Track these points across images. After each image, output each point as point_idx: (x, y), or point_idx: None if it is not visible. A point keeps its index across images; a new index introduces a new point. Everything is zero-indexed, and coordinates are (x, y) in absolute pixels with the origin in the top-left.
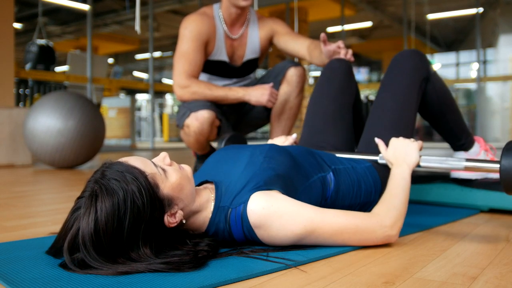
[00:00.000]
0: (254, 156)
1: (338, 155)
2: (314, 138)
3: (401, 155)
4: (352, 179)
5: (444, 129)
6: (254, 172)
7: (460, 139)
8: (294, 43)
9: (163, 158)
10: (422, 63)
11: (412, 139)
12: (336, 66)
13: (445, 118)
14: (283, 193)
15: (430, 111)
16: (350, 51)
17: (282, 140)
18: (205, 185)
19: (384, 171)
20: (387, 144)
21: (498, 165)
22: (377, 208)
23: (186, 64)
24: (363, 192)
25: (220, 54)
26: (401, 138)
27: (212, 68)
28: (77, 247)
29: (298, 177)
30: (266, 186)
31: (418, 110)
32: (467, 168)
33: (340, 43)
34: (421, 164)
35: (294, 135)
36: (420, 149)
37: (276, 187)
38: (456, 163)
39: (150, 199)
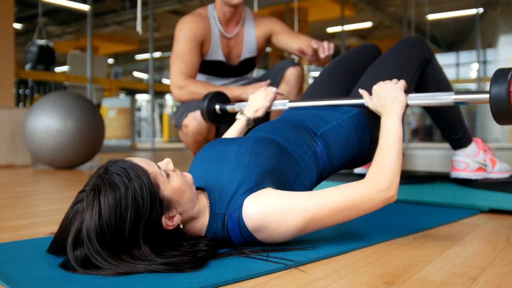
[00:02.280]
0: (240, 155)
1: (324, 102)
2: (319, 89)
3: (387, 101)
4: (341, 137)
5: (441, 118)
6: (243, 174)
7: (457, 132)
8: (295, 42)
9: (166, 164)
10: (426, 45)
11: (394, 80)
12: (369, 46)
13: (443, 106)
14: (275, 188)
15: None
16: (324, 44)
17: (263, 96)
18: (198, 191)
19: (372, 113)
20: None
21: (487, 95)
22: (370, 172)
23: (182, 65)
24: (356, 144)
25: (216, 54)
26: (381, 83)
27: (209, 68)
28: (81, 241)
29: (288, 167)
30: (257, 186)
31: (415, 84)
32: (456, 101)
33: (313, 43)
34: (409, 102)
35: (274, 89)
36: (405, 88)
37: (267, 184)
38: (445, 97)
39: (150, 198)
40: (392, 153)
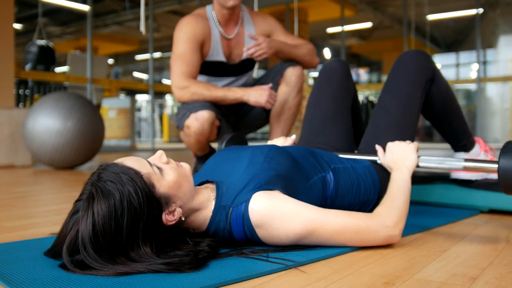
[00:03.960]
0: (254, 157)
1: (340, 155)
2: (314, 139)
3: (399, 159)
4: (351, 179)
5: (447, 129)
6: (255, 173)
7: (461, 139)
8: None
9: (159, 157)
10: (427, 63)
11: (408, 141)
12: (334, 67)
13: (448, 119)
14: (284, 193)
15: (433, 112)
16: (251, 51)
17: (281, 142)
18: (205, 185)
19: (383, 171)
20: (384, 147)
21: (496, 165)
22: (378, 209)
23: (183, 66)
24: (362, 191)
25: (217, 54)
26: (396, 142)
27: (210, 69)
28: (77, 250)
29: (298, 178)
30: (267, 186)
31: (421, 111)
32: (465, 168)
33: (251, 35)
34: (420, 164)
35: (293, 136)
36: (417, 151)
37: (277, 187)
38: (455, 163)
39: (147, 199)
40: (400, 198)
